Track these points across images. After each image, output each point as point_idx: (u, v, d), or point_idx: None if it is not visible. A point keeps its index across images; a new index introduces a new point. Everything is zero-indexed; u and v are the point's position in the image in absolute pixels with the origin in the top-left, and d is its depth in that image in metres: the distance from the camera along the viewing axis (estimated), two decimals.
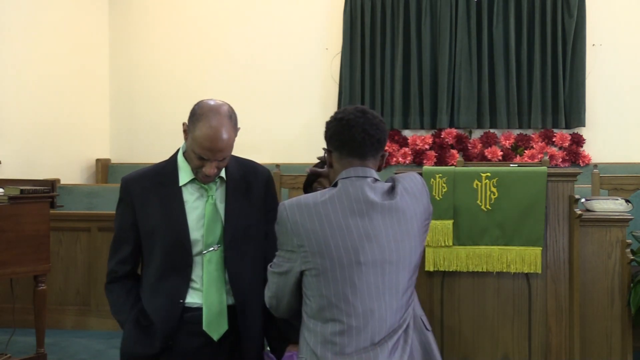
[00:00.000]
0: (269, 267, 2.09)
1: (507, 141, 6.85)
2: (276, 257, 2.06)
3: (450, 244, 3.40)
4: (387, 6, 7.06)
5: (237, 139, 2.34)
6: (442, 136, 6.93)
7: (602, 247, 3.60)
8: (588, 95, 6.75)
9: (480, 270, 3.40)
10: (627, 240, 3.62)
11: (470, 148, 6.90)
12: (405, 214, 2.00)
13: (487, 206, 3.37)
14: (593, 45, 6.78)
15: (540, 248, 3.34)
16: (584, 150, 6.76)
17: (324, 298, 1.93)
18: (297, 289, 2.02)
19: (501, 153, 6.80)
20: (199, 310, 2.33)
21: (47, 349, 4.63)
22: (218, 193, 2.39)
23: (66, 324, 5.57)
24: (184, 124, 2.33)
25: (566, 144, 6.75)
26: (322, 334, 1.94)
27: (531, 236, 3.34)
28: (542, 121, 6.79)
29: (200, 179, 2.33)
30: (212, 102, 2.31)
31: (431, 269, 3.44)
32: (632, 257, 3.64)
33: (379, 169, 2.09)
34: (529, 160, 6.60)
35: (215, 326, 2.33)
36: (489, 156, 6.78)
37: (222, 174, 2.39)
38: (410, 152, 6.97)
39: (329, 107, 7.01)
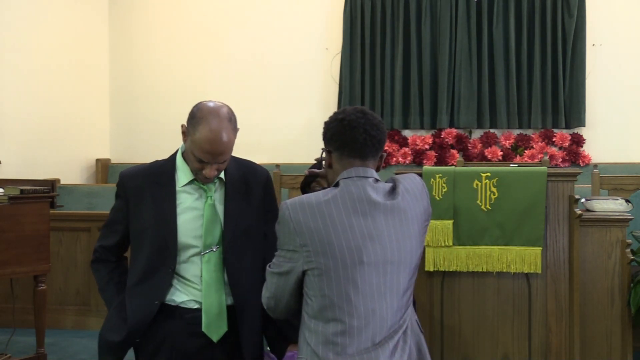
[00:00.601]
0: (267, 267, 2.07)
1: (507, 141, 6.85)
2: (276, 257, 2.04)
3: (450, 244, 3.40)
4: (387, 6, 7.06)
5: (236, 139, 2.34)
6: (442, 136, 6.93)
7: (602, 247, 3.60)
8: (588, 95, 6.75)
9: (480, 270, 3.40)
10: (627, 240, 3.62)
11: (470, 148, 6.90)
12: (407, 214, 2.01)
13: (487, 206, 3.37)
14: (593, 45, 6.78)
15: (540, 248, 3.34)
16: (584, 150, 6.76)
17: (326, 298, 1.92)
18: (297, 289, 2.01)
19: (501, 153, 6.80)
20: (198, 311, 2.33)
21: (47, 349, 4.64)
22: (217, 194, 2.38)
23: (66, 324, 5.57)
24: (182, 126, 2.31)
25: (566, 144, 6.75)
26: (323, 334, 1.93)
27: (531, 236, 3.34)
28: (542, 121, 6.79)
29: (200, 179, 2.33)
30: (211, 104, 2.30)
31: (431, 269, 3.44)
32: (632, 257, 3.64)
33: (377, 169, 2.09)
34: (529, 160, 6.60)
35: (214, 327, 2.33)
36: (489, 156, 6.78)
37: (221, 174, 2.38)
38: (410, 152, 6.97)
39: (329, 107, 7.01)
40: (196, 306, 2.33)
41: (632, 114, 6.72)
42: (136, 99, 7.76)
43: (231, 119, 2.29)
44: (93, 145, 7.58)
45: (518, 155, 6.76)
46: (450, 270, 3.43)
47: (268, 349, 2.54)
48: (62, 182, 6.70)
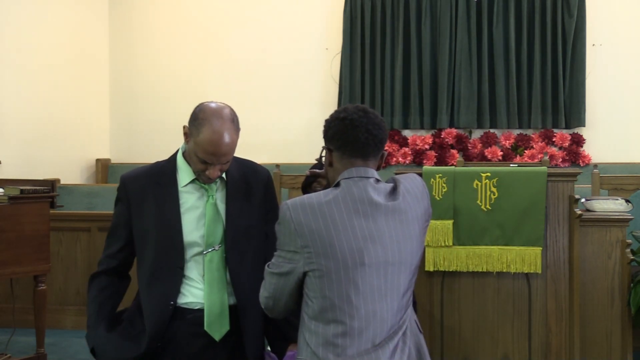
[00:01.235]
0: (266, 267, 2.06)
1: (507, 141, 6.85)
2: (275, 258, 2.03)
3: (450, 244, 3.40)
4: (387, 6, 7.06)
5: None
6: (442, 136, 6.93)
7: (602, 247, 3.60)
8: (588, 95, 6.75)
9: (480, 270, 3.40)
10: (627, 240, 3.62)
11: (470, 148, 6.90)
12: (408, 215, 2.00)
13: (487, 206, 3.38)
14: (593, 45, 6.78)
15: (540, 248, 3.34)
16: (584, 150, 6.76)
17: (326, 299, 1.92)
18: (297, 289, 2.00)
19: (501, 153, 6.80)
20: (200, 311, 2.33)
21: (47, 349, 4.63)
22: (218, 193, 2.38)
23: (66, 324, 5.57)
24: (184, 127, 2.31)
25: (566, 144, 6.75)
26: (323, 335, 1.93)
27: (531, 236, 3.34)
28: (542, 121, 6.79)
29: (203, 180, 2.33)
30: (213, 105, 2.30)
31: (431, 269, 3.44)
32: (632, 257, 3.64)
33: (378, 168, 2.09)
34: (529, 160, 6.60)
35: (216, 326, 2.33)
36: (489, 156, 6.78)
37: (223, 174, 2.38)
38: (410, 152, 6.97)
39: (329, 107, 7.00)
40: (198, 306, 2.33)
41: (632, 114, 6.72)
42: (136, 99, 7.75)
43: (234, 119, 2.30)
44: (93, 145, 7.58)
45: (518, 155, 6.76)
46: (450, 270, 3.43)
47: (269, 348, 2.54)
48: (62, 182, 6.69)
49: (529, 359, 3.42)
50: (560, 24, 6.73)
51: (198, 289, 2.34)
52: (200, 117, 2.26)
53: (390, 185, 2.04)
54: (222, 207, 2.37)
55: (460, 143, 6.92)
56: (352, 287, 1.91)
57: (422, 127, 7.04)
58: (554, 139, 6.79)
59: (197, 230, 2.34)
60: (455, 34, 6.91)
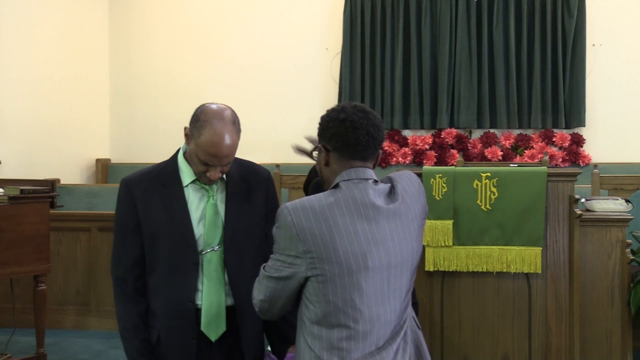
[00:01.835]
0: (262, 270, 2.02)
1: (507, 141, 6.85)
2: (272, 261, 1.99)
3: (450, 244, 3.40)
4: (387, 6, 7.06)
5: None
6: (442, 136, 6.93)
7: (602, 247, 3.60)
8: (588, 95, 6.75)
9: (480, 270, 3.40)
10: (627, 240, 3.62)
11: (470, 148, 6.90)
12: (408, 216, 2.00)
13: (487, 206, 3.37)
14: (593, 45, 6.78)
15: (540, 248, 3.34)
16: (584, 150, 6.76)
17: (330, 304, 1.90)
18: (295, 293, 1.97)
19: (501, 153, 6.80)
20: (197, 311, 2.32)
21: (47, 349, 4.63)
22: (219, 194, 2.38)
23: (66, 324, 5.57)
24: (185, 128, 2.31)
25: (566, 144, 6.76)
26: (327, 339, 1.91)
27: (531, 236, 3.34)
28: (542, 121, 6.79)
29: (204, 181, 2.33)
30: (215, 107, 2.29)
31: (431, 269, 3.44)
32: (632, 257, 3.64)
33: (373, 167, 2.07)
34: (529, 160, 6.60)
35: (213, 327, 2.33)
36: (489, 156, 6.78)
37: (223, 175, 2.38)
38: (410, 152, 6.97)
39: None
40: (196, 305, 2.33)
41: (632, 114, 6.72)
42: (136, 99, 7.76)
43: (235, 121, 2.29)
44: (93, 146, 7.58)
45: (518, 155, 6.76)
46: (450, 270, 3.43)
47: (269, 349, 2.53)
48: (62, 182, 6.70)
49: (529, 359, 3.42)
50: (560, 24, 6.73)
51: (197, 290, 2.34)
52: (201, 119, 2.25)
53: (388, 185, 2.03)
54: (222, 208, 2.37)
55: (460, 143, 6.92)
56: (356, 291, 1.90)
57: (422, 127, 7.04)
58: (554, 139, 6.80)
59: (198, 230, 2.34)
60: (455, 34, 6.91)
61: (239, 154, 2.38)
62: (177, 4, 7.71)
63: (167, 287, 2.32)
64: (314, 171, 2.25)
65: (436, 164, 6.84)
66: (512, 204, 3.34)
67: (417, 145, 6.96)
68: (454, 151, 6.87)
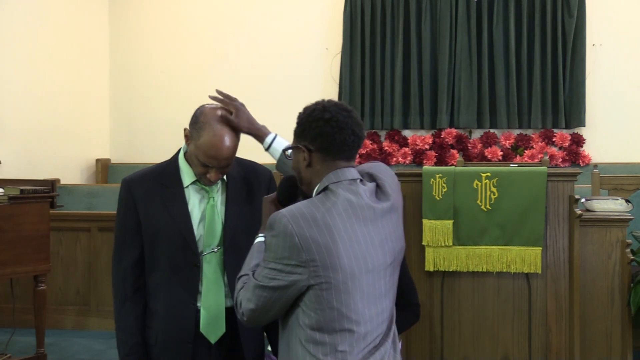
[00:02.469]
0: (253, 279, 1.96)
1: (507, 141, 6.85)
2: (266, 270, 1.91)
3: (450, 244, 3.40)
4: (387, 6, 7.06)
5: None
6: (442, 136, 6.93)
7: (602, 247, 3.60)
8: (588, 95, 6.75)
9: (480, 270, 3.40)
10: (627, 240, 3.62)
11: (470, 148, 6.90)
12: (397, 212, 2.01)
13: (487, 206, 3.37)
14: (593, 45, 6.78)
15: (540, 248, 3.34)
16: (584, 150, 6.76)
17: (334, 310, 1.87)
18: (290, 302, 1.92)
19: (501, 153, 6.80)
20: (197, 312, 2.32)
21: (47, 349, 4.64)
22: (219, 195, 2.38)
23: (66, 324, 5.57)
24: (185, 130, 2.30)
25: (566, 144, 6.76)
26: (331, 344, 1.89)
27: (531, 236, 3.34)
28: (542, 121, 6.80)
29: (204, 182, 2.33)
30: (214, 108, 2.30)
31: (431, 269, 3.44)
32: (632, 257, 3.64)
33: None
34: (529, 160, 6.60)
35: (213, 328, 2.32)
36: (489, 156, 6.78)
37: (224, 176, 2.38)
38: (410, 152, 6.97)
39: None
40: (194, 308, 2.33)
41: (632, 114, 6.73)
42: (136, 99, 7.76)
43: None
44: (93, 145, 7.58)
45: (518, 155, 6.76)
46: (450, 270, 3.43)
47: (269, 349, 2.53)
48: (62, 182, 6.70)
49: (529, 359, 3.42)
50: (560, 24, 6.74)
51: (197, 291, 2.33)
52: (201, 121, 2.25)
53: (373, 184, 2.01)
54: (221, 209, 2.36)
55: (460, 143, 6.92)
56: (359, 294, 1.89)
57: (422, 127, 7.04)
58: (554, 139, 6.80)
59: (198, 231, 2.33)
60: (455, 34, 6.92)
61: (239, 154, 2.38)
62: (177, 4, 7.71)
63: (167, 288, 2.31)
64: (287, 181, 2.15)
65: (436, 164, 6.84)
66: (512, 204, 3.34)
67: (417, 145, 6.96)
68: (454, 151, 6.87)
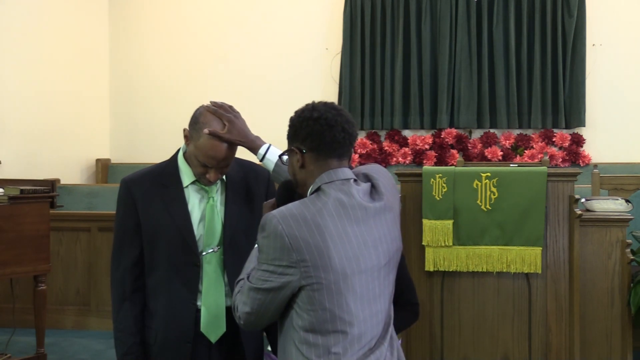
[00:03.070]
0: (247, 282, 1.96)
1: (507, 141, 6.85)
2: (259, 272, 1.91)
3: (450, 244, 3.40)
4: (387, 6, 7.06)
5: None
6: (442, 136, 6.93)
7: (602, 247, 3.60)
8: (588, 95, 6.75)
9: (480, 270, 3.40)
10: (627, 240, 3.62)
11: (470, 148, 6.90)
12: (392, 212, 2.00)
13: (487, 206, 3.37)
14: (593, 45, 6.78)
15: (540, 248, 3.34)
16: (584, 150, 6.76)
17: (326, 311, 1.87)
18: (285, 304, 1.92)
19: (501, 153, 6.81)
20: (197, 312, 2.32)
21: (47, 349, 4.63)
22: (218, 194, 2.38)
23: (66, 324, 5.57)
24: (184, 130, 2.31)
25: (566, 144, 6.76)
26: (324, 346, 1.88)
27: (531, 236, 3.34)
28: (542, 121, 6.80)
29: (204, 183, 2.33)
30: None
31: (431, 269, 3.44)
32: (632, 257, 3.64)
33: (349, 166, 2.05)
34: (529, 160, 6.60)
35: (213, 328, 2.32)
36: (489, 156, 6.78)
37: (223, 176, 2.38)
38: (410, 152, 6.97)
39: None
40: (194, 308, 2.33)
41: (632, 114, 6.73)
42: (136, 99, 7.76)
43: None
44: (93, 145, 7.58)
45: (518, 155, 6.76)
46: (450, 270, 3.43)
47: (269, 349, 2.53)
48: (62, 182, 6.70)
49: (529, 359, 3.42)
50: (560, 24, 6.74)
51: (197, 291, 2.34)
52: (201, 121, 2.25)
53: (368, 184, 2.00)
54: (221, 209, 2.37)
55: (460, 143, 6.92)
56: (351, 295, 1.88)
57: (422, 127, 7.04)
58: (554, 139, 6.80)
59: (197, 231, 2.34)
60: (455, 34, 6.92)
61: (239, 154, 2.38)
62: (177, 4, 7.71)
63: (167, 288, 2.31)
64: (284, 186, 2.15)
65: (436, 164, 6.84)
66: (512, 204, 3.34)
67: (417, 145, 6.96)
68: (454, 151, 6.87)
